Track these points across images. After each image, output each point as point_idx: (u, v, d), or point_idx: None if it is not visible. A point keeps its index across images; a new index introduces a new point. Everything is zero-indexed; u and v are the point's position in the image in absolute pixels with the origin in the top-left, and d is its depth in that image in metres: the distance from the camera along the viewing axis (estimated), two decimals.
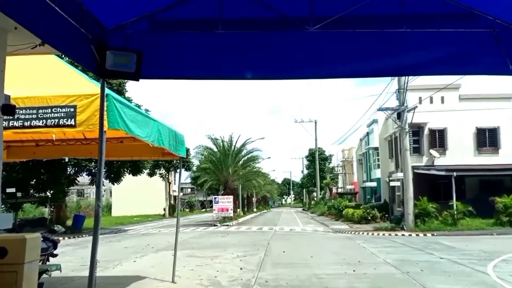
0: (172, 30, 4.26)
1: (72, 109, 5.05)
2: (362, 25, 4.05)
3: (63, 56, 5.86)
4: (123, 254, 13.28)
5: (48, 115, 5.06)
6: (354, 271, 9.45)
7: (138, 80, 4.21)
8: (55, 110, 5.07)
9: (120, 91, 24.28)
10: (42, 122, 5.02)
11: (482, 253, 12.33)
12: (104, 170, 29.83)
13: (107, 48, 4.08)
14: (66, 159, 15.67)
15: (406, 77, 21.15)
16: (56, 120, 5.05)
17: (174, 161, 31.39)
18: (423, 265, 10.22)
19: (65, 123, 5.04)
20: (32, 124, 5.04)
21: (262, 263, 10.87)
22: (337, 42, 4.23)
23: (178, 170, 10.16)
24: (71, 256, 12.85)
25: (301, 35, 4.14)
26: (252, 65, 4.41)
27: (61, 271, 6.63)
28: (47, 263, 6.88)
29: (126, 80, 25.08)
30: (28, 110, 5.01)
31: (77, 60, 4.21)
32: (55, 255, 7.32)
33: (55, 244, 7.26)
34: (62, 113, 5.05)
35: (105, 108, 4.78)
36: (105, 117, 4.78)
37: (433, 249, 13.53)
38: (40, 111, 5.01)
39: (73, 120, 5.04)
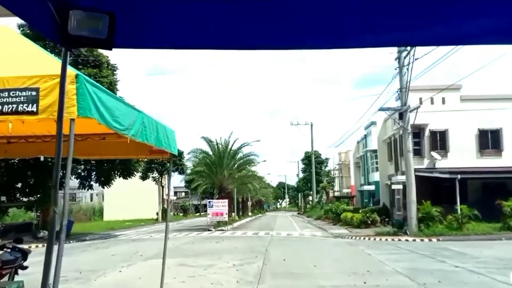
0: None
1: (34, 93, 4.11)
2: None
3: (23, 28, 4.91)
4: (109, 263, 12.25)
5: (4, 99, 4.13)
6: (364, 283, 8.47)
7: (110, 49, 3.24)
8: (13, 93, 4.13)
9: (112, 90, 23.32)
10: None
11: (498, 261, 11.45)
12: (93, 172, 28.50)
13: (71, 7, 3.16)
14: (42, 158, 14.57)
15: (408, 76, 20.38)
16: (14, 105, 4.10)
17: (167, 163, 30.39)
18: (438, 275, 9.30)
19: (25, 109, 4.09)
20: None
21: (261, 273, 9.90)
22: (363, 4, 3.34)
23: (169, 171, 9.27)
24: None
25: None
26: (255, 33, 3.49)
27: None
28: (15, 277, 5.93)
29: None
30: None
31: (31, 22, 3.27)
32: (25, 267, 6.33)
33: (24, 255, 6.29)
34: (22, 98, 4.12)
35: (74, 92, 3.89)
36: (74, 102, 3.88)
37: (443, 256, 12.65)
38: None
39: (34, 105, 4.09)
